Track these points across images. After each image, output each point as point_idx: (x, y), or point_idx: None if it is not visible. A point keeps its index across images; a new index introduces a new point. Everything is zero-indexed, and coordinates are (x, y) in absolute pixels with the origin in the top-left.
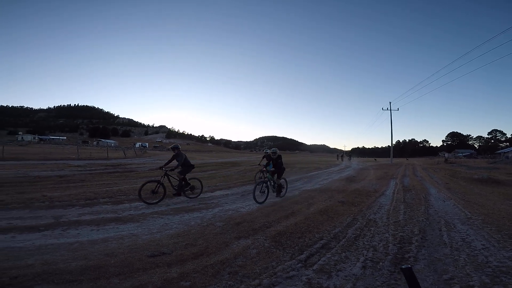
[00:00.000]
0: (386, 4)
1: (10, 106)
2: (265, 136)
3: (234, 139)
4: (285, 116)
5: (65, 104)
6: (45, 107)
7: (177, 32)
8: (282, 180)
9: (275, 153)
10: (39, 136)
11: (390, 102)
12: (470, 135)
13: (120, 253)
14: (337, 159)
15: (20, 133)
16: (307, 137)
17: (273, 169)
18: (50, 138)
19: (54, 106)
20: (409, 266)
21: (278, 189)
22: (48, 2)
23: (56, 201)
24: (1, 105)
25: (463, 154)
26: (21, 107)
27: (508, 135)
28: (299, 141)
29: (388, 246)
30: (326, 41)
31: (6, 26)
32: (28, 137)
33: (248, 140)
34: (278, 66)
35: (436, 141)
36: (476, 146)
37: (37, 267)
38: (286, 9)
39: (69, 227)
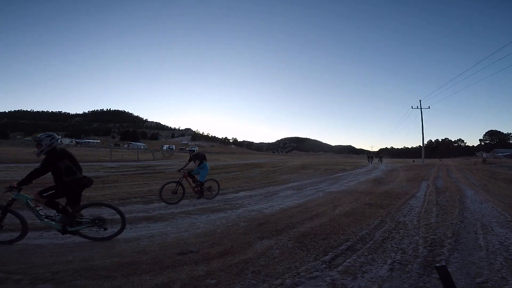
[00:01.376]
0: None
1: (50, 111)
2: (287, 137)
3: (256, 140)
4: (308, 117)
5: (98, 109)
6: (80, 112)
7: (199, 37)
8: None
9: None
10: (76, 140)
11: (420, 100)
12: (511, 133)
13: (151, 251)
14: (368, 161)
15: (59, 137)
16: (332, 138)
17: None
18: (86, 141)
19: (89, 111)
20: (444, 264)
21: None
22: (83, 12)
23: (92, 201)
24: (42, 111)
25: (504, 154)
26: (60, 112)
27: None
28: (323, 142)
29: (418, 249)
30: (351, 40)
31: (46, 40)
32: (67, 141)
33: (270, 141)
34: (302, 66)
35: (472, 141)
36: None
37: (76, 263)
38: (309, 7)
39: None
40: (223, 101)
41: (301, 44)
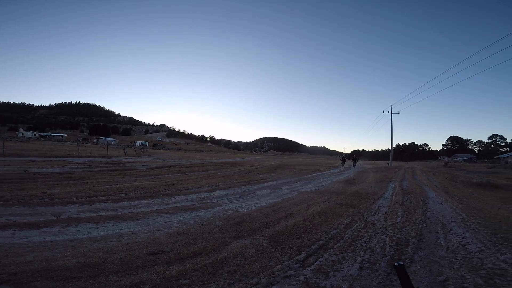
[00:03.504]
0: (389, 7)
1: (11, 102)
2: (265, 137)
3: (234, 139)
4: (285, 118)
5: (67, 102)
6: (46, 104)
7: (178, 33)
8: None
9: None
10: (40, 133)
11: (391, 105)
12: (470, 139)
13: (120, 251)
14: (341, 163)
15: (20, 129)
16: (307, 139)
17: None
18: (51, 135)
19: (56, 103)
20: (402, 263)
21: None
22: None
23: (56, 198)
24: (3, 102)
25: (463, 159)
26: (23, 103)
27: (508, 140)
28: (299, 142)
29: (385, 248)
30: (328, 43)
31: (9, 25)
32: (29, 134)
33: (248, 140)
34: (280, 68)
35: (436, 145)
36: (476, 150)
37: (36, 263)
38: (287, 10)
39: (68, 224)
40: (201, 98)
41: (280, 47)
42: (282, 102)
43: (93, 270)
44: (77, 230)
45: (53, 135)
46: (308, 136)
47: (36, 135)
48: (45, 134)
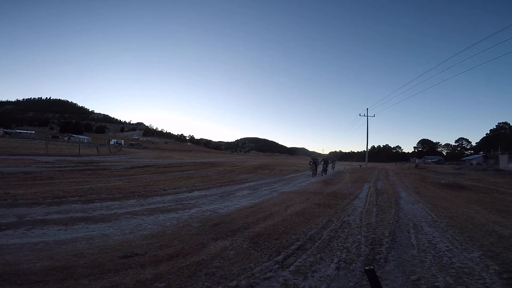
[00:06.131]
0: (366, 11)
1: None
2: (246, 137)
3: (215, 139)
4: (267, 119)
5: (36, 97)
6: (13, 99)
7: (157, 30)
8: None
9: None
10: (4, 129)
11: (367, 109)
12: (439, 142)
13: (90, 254)
14: (311, 170)
15: None
16: (288, 139)
17: None
18: (17, 131)
19: (24, 99)
20: (372, 267)
21: None
22: None
23: (20, 199)
24: None
25: (432, 160)
26: None
27: (473, 143)
28: (279, 143)
29: (361, 248)
30: (308, 46)
31: None
32: None
33: (229, 140)
34: (262, 69)
35: (408, 147)
36: (444, 153)
37: None
38: (266, 11)
39: (33, 226)
40: (181, 97)
41: (260, 48)
42: (264, 103)
43: (61, 273)
44: (43, 233)
45: (20, 132)
46: (288, 136)
47: (0, 131)
48: (11, 130)
